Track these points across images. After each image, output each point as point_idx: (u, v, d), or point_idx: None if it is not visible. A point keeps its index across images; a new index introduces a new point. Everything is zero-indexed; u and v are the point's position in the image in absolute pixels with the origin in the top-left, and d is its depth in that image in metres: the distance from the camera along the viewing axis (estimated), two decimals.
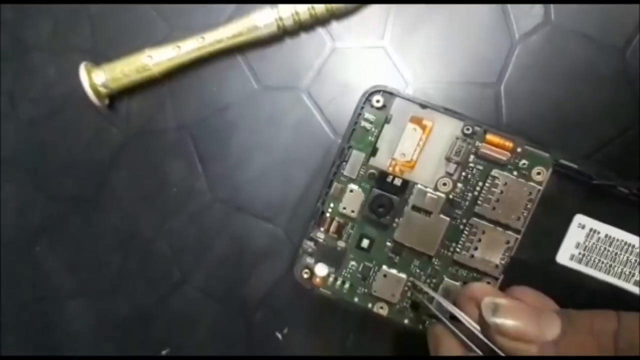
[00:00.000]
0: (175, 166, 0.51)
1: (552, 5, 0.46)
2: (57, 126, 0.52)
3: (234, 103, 0.50)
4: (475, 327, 0.36)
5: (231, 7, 0.49)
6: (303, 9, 0.46)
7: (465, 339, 0.37)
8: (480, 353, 0.36)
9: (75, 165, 0.52)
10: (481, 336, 0.35)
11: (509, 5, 0.47)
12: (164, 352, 0.52)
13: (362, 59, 0.48)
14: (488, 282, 0.44)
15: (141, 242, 0.52)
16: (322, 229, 0.46)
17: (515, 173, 0.44)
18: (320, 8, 0.46)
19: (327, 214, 0.46)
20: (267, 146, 0.50)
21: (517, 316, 0.33)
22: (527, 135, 0.44)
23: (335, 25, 0.49)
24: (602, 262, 0.44)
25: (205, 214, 0.51)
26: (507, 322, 0.33)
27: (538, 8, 0.46)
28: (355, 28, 0.48)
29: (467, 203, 0.44)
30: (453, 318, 0.38)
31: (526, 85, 0.47)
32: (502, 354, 0.33)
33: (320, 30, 0.49)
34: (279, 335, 0.51)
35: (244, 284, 0.51)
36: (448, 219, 0.45)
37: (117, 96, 0.50)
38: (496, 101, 0.47)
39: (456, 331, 0.37)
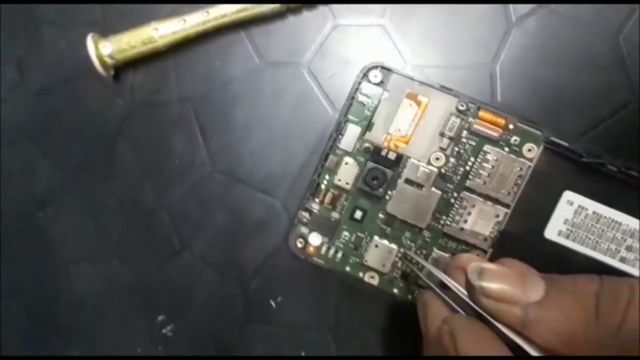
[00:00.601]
0: (177, 138, 0.52)
1: None
2: (64, 97, 0.53)
3: (236, 77, 0.51)
4: (462, 292, 0.36)
5: None
6: None
7: (451, 302, 0.37)
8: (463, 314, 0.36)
9: (81, 134, 0.53)
10: (468, 300, 0.35)
11: None
12: (160, 319, 0.53)
13: (362, 36, 0.49)
14: (477, 255, 0.45)
15: (143, 210, 0.53)
16: (317, 200, 0.47)
17: (506, 149, 0.44)
18: None
19: (323, 186, 0.46)
20: (267, 120, 0.50)
21: (501, 279, 0.34)
22: (520, 114, 0.45)
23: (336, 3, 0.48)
24: (589, 239, 0.44)
25: (206, 185, 0.52)
26: (491, 284, 0.33)
27: None
28: (356, 6, 0.49)
29: (458, 177, 0.45)
30: (443, 287, 0.38)
31: (521, 66, 0.47)
32: (488, 316, 0.34)
33: (322, 8, 0.49)
34: (273, 304, 0.51)
35: (241, 253, 0.52)
36: (440, 192, 0.45)
37: (123, 68, 0.51)
38: (491, 81, 0.48)
39: (443, 296, 0.38)
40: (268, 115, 0.51)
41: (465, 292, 0.36)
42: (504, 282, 0.33)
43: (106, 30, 0.50)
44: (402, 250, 0.46)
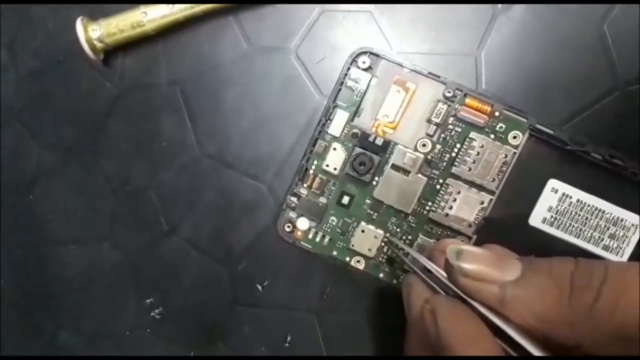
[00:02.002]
0: (166, 121, 0.51)
1: None
2: (54, 79, 0.53)
3: (225, 62, 0.50)
4: (442, 275, 0.37)
5: None
6: None
7: (433, 284, 0.38)
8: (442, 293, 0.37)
9: (71, 116, 0.53)
10: (447, 282, 0.36)
11: None
12: (148, 302, 0.53)
13: (350, 22, 0.49)
14: (462, 240, 0.45)
15: (132, 192, 0.53)
16: (305, 185, 0.47)
17: (492, 136, 0.44)
18: None
19: (311, 171, 0.46)
20: (255, 105, 0.50)
21: (478, 259, 0.34)
22: (506, 101, 0.45)
23: None
24: (573, 226, 0.44)
25: (194, 168, 0.51)
26: (469, 264, 0.34)
27: None
28: None
29: (444, 164, 0.45)
30: (427, 271, 0.38)
31: (506, 53, 0.47)
32: (466, 297, 0.34)
33: None
34: (259, 287, 0.51)
35: (229, 236, 0.52)
36: (426, 178, 0.45)
37: (113, 52, 0.50)
38: (477, 68, 0.47)
39: (426, 278, 0.38)
40: (256, 99, 0.50)
41: (446, 274, 0.36)
42: (481, 263, 0.34)
43: (96, 13, 0.49)
44: (388, 235, 0.46)
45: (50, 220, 0.54)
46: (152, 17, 0.48)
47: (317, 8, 0.49)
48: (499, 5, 0.47)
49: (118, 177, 0.53)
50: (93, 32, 0.48)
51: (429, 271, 0.38)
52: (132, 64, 0.51)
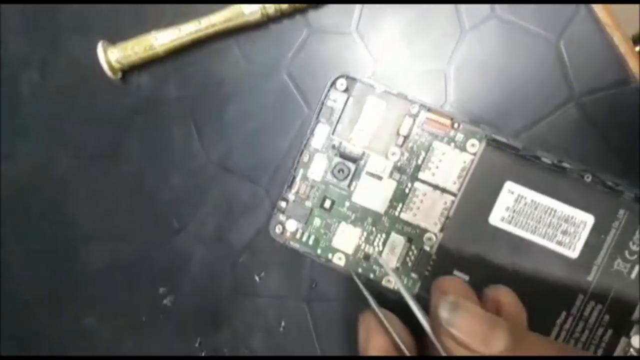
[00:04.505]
0: (176, 131, 0.57)
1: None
2: (79, 95, 0.58)
3: (226, 79, 0.55)
4: (425, 322, 0.38)
5: None
6: None
7: (396, 337, 0.40)
8: (408, 354, 0.39)
9: (93, 128, 0.58)
10: (428, 331, 0.37)
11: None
12: (160, 291, 0.59)
13: (334, 43, 0.54)
14: (429, 237, 0.50)
15: (146, 194, 0.58)
16: (293, 191, 0.52)
17: (452, 145, 0.49)
18: None
19: (298, 178, 0.51)
20: (253, 117, 0.55)
21: (471, 322, 0.34)
22: (471, 111, 0.51)
23: (311, 13, 0.54)
24: (529, 224, 0.48)
25: (200, 173, 0.56)
26: (463, 322, 0.34)
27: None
28: (328, 16, 0.54)
29: (411, 169, 0.50)
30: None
31: (472, 68, 0.52)
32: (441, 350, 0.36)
33: (299, 17, 0.54)
34: (257, 278, 0.56)
35: (230, 233, 0.57)
36: (396, 182, 0.50)
37: (129, 70, 0.56)
38: (446, 82, 0.52)
39: (389, 328, 0.41)
40: (254, 112, 0.55)
41: (427, 324, 0.38)
42: (472, 325, 0.34)
43: (115, 37, 0.54)
44: (364, 234, 0.51)
45: (75, 219, 0.59)
46: (163, 41, 0.53)
47: (305, 30, 0.54)
48: (466, 26, 0.52)
49: (134, 181, 0.58)
50: (112, 55, 0.53)
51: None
52: (146, 82, 0.57)
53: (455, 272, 0.49)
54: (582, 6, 0.50)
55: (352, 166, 0.50)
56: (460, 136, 0.49)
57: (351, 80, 0.49)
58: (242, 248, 0.57)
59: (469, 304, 0.36)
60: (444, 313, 0.33)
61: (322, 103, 0.50)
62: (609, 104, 0.51)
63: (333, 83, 0.50)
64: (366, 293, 0.47)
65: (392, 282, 0.49)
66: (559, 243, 0.48)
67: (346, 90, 0.49)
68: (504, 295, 0.41)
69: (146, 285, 0.59)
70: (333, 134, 0.49)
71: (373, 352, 0.39)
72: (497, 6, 0.51)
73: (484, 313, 0.35)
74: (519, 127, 0.51)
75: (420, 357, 0.39)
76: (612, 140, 0.50)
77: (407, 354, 0.39)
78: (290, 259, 0.55)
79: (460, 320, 0.33)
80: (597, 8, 0.50)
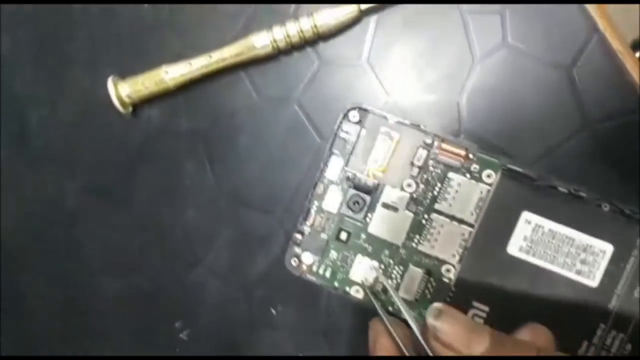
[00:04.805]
0: (188, 164, 0.56)
1: (508, 28, 0.51)
2: (90, 129, 0.58)
3: (237, 111, 0.55)
4: (416, 328, 0.41)
5: (235, 29, 0.54)
6: (294, 32, 0.51)
7: (398, 340, 0.42)
8: (407, 354, 0.41)
9: (105, 161, 0.58)
10: (418, 335, 0.40)
11: (471, 30, 0.51)
12: (176, 324, 0.58)
13: (345, 74, 0.53)
14: (448, 269, 0.50)
15: (160, 228, 0.57)
16: (308, 223, 0.51)
17: (468, 175, 0.49)
18: (308, 32, 0.51)
19: (313, 211, 0.51)
20: (265, 148, 0.55)
21: (454, 324, 0.38)
22: (485, 140, 0.51)
23: (322, 45, 0.54)
24: (547, 253, 0.47)
25: (213, 205, 0.56)
26: (444, 326, 0.38)
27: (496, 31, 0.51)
28: (339, 47, 0.53)
29: (428, 201, 0.49)
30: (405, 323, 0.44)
31: (485, 98, 0.52)
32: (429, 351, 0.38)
33: (309, 49, 0.54)
34: (274, 311, 0.56)
35: (245, 266, 0.56)
36: (412, 214, 0.50)
37: (140, 105, 0.55)
38: (459, 111, 0.52)
39: (392, 332, 0.43)
40: (266, 143, 0.55)
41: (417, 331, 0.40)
42: (455, 328, 0.38)
43: (124, 70, 0.55)
44: (382, 266, 0.51)
45: (88, 253, 0.59)
46: (173, 75, 0.53)
47: (316, 62, 0.54)
48: (478, 55, 0.52)
49: (147, 215, 0.57)
50: (122, 90, 0.53)
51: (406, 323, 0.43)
52: (157, 115, 0.56)
53: (475, 304, 0.48)
54: (594, 34, 0.50)
55: (368, 198, 0.50)
56: (475, 167, 0.49)
57: (363, 111, 0.49)
58: (258, 280, 0.56)
59: (452, 310, 0.40)
60: (430, 319, 0.37)
61: (335, 135, 0.50)
62: (623, 131, 0.50)
63: (346, 115, 0.49)
64: (375, 302, 0.48)
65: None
66: (578, 272, 0.47)
67: (359, 121, 0.49)
68: (539, 334, 0.43)
69: (162, 320, 0.59)
70: (347, 165, 0.49)
71: (379, 352, 0.43)
72: (509, 35, 0.51)
73: (467, 318, 0.39)
74: (533, 155, 0.51)
75: (418, 357, 0.40)
76: (627, 167, 0.50)
77: (407, 353, 0.41)
78: (306, 291, 0.55)
79: (444, 325, 0.37)
80: (610, 35, 0.50)
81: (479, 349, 0.36)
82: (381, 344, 0.44)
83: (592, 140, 0.51)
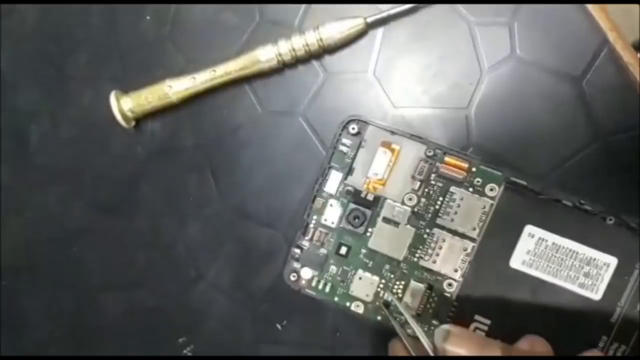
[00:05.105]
0: (191, 178, 0.58)
1: (517, 40, 0.53)
2: (92, 144, 0.60)
3: (241, 125, 0.57)
4: (429, 346, 0.43)
5: (239, 43, 0.56)
6: (299, 46, 0.53)
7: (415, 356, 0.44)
8: None
9: (107, 176, 0.60)
10: (431, 353, 0.42)
11: (479, 42, 0.53)
12: (180, 340, 0.60)
13: (351, 86, 0.55)
14: (450, 283, 0.52)
15: (163, 243, 0.58)
16: (306, 238, 0.53)
17: (470, 189, 0.50)
18: (314, 45, 0.53)
19: (311, 225, 0.53)
20: (269, 162, 0.57)
21: (463, 345, 0.40)
22: (494, 153, 0.52)
23: (327, 58, 0.55)
24: (550, 267, 0.49)
25: (217, 220, 0.58)
26: (453, 349, 0.40)
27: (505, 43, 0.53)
28: (345, 60, 0.55)
29: (429, 215, 0.51)
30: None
31: (493, 109, 0.53)
32: None
33: (315, 63, 0.55)
34: (279, 326, 0.58)
35: (250, 281, 0.58)
36: (414, 229, 0.51)
37: (143, 119, 0.57)
38: (467, 123, 0.54)
39: (410, 350, 0.45)
40: (270, 157, 0.57)
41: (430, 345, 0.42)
42: (464, 348, 0.40)
43: (126, 85, 0.57)
44: (385, 297, 0.53)
45: (91, 269, 0.61)
46: (177, 89, 0.55)
47: (321, 75, 0.55)
48: (486, 67, 0.53)
49: (151, 230, 0.59)
50: (125, 104, 0.55)
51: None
52: (160, 129, 0.58)
53: (477, 317, 0.50)
54: (604, 46, 0.52)
55: (368, 212, 0.52)
56: (478, 180, 0.49)
57: (363, 123, 0.50)
58: (262, 295, 0.58)
59: (460, 330, 0.42)
60: (439, 341, 0.40)
61: (334, 148, 0.51)
62: (634, 143, 0.52)
63: (345, 127, 0.51)
64: (394, 322, 0.50)
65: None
66: (582, 285, 0.49)
67: (358, 133, 0.51)
68: (537, 345, 0.46)
69: (166, 335, 0.60)
70: (346, 179, 0.51)
71: None
72: (517, 47, 0.52)
73: (475, 336, 0.42)
74: (543, 168, 0.53)
75: None
76: (637, 179, 0.52)
77: None
78: (312, 306, 0.56)
79: (454, 347, 0.40)
80: (620, 47, 0.51)
81: None
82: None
83: (603, 153, 0.52)
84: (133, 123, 0.57)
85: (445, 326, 0.42)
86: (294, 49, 0.53)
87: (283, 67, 0.55)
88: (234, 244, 0.59)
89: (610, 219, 0.48)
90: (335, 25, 0.53)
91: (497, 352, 0.39)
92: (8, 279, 0.63)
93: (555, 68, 0.52)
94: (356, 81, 0.56)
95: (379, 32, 0.55)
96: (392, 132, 0.50)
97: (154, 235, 0.60)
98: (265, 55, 0.54)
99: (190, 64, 0.57)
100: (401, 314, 0.50)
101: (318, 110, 0.56)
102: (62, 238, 0.62)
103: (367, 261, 0.51)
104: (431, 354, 0.42)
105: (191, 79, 0.55)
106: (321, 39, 0.53)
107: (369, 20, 0.53)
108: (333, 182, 0.52)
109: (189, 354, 0.60)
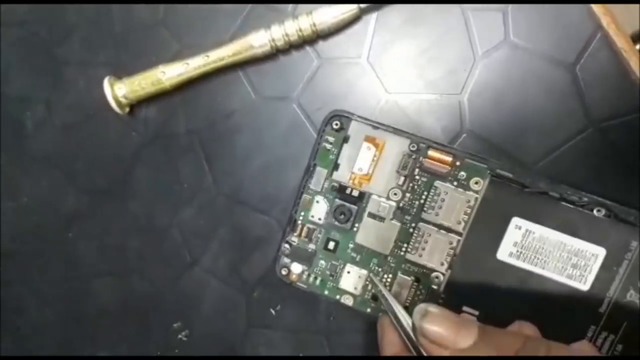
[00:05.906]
0: (185, 165, 0.61)
1: (510, 25, 0.55)
2: (86, 130, 0.63)
3: (235, 111, 0.59)
4: (409, 325, 0.46)
5: (232, 28, 0.59)
6: (292, 31, 0.55)
7: (402, 333, 0.47)
8: (411, 347, 0.46)
9: (101, 163, 0.63)
10: (411, 333, 0.45)
11: (473, 27, 0.56)
12: (175, 326, 0.64)
13: (345, 72, 0.58)
14: (437, 276, 0.56)
15: (157, 229, 0.61)
16: (295, 233, 0.56)
17: (455, 183, 0.53)
18: (307, 30, 0.55)
19: (299, 221, 0.56)
20: (263, 148, 0.59)
21: (439, 324, 0.42)
22: (487, 139, 0.55)
23: (321, 44, 0.58)
24: (538, 259, 0.52)
25: (211, 206, 0.60)
26: (430, 327, 0.42)
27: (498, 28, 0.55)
28: (338, 46, 0.58)
29: (414, 210, 0.54)
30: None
31: (486, 96, 0.56)
32: (424, 353, 0.42)
33: (308, 48, 0.58)
34: (273, 312, 0.61)
35: (244, 266, 0.61)
36: (399, 223, 0.54)
37: (136, 105, 0.60)
38: (460, 109, 0.56)
39: (397, 326, 0.48)
40: (264, 143, 0.60)
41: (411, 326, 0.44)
42: (441, 326, 0.42)
43: (120, 70, 0.60)
44: (371, 274, 0.56)
45: (86, 255, 0.63)
46: (170, 75, 0.57)
47: (315, 61, 0.58)
48: (479, 52, 0.55)
49: (144, 216, 0.61)
50: (118, 90, 0.58)
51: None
52: (154, 115, 0.61)
53: (465, 309, 0.53)
54: (598, 31, 0.54)
55: (354, 208, 0.55)
56: (463, 174, 0.52)
57: (346, 118, 0.52)
58: (257, 281, 0.61)
59: (438, 308, 0.44)
60: (417, 319, 0.42)
61: (319, 144, 0.53)
62: (627, 129, 0.54)
63: (328, 123, 0.53)
64: (385, 292, 0.53)
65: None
66: (569, 277, 0.52)
67: (341, 129, 0.53)
68: (525, 329, 0.49)
69: (160, 320, 0.64)
70: (331, 175, 0.54)
71: (386, 347, 0.47)
72: (511, 32, 0.55)
73: (452, 315, 0.43)
74: (537, 153, 0.55)
75: (420, 357, 0.45)
76: (630, 165, 0.54)
77: (411, 347, 0.46)
78: (305, 291, 0.59)
79: (433, 319, 0.41)
80: (614, 32, 0.53)
81: (467, 342, 0.40)
82: (389, 339, 0.49)
83: (596, 139, 0.54)
84: (127, 109, 0.60)
85: (424, 305, 0.44)
86: (287, 34, 0.55)
87: (277, 52, 0.57)
88: (228, 230, 0.61)
89: (599, 210, 0.51)
90: (329, 10, 0.55)
91: (473, 332, 0.41)
92: (3, 264, 0.65)
93: (549, 53, 0.54)
94: (350, 67, 0.58)
95: (373, 17, 0.57)
96: (375, 127, 0.53)
97: (148, 221, 0.62)
98: (258, 40, 0.56)
99: (185, 49, 0.59)
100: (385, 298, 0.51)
101: (312, 96, 0.58)
102: (57, 223, 0.65)
103: (355, 255, 0.55)
104: (410, 331, 0.45)
105: (184, 65, 0.57)
106: (314, 24, 0.55)
107: (363, 5, 0.55)
108: (318, 178, 0.54)
109: (184, 339, 0.64)
